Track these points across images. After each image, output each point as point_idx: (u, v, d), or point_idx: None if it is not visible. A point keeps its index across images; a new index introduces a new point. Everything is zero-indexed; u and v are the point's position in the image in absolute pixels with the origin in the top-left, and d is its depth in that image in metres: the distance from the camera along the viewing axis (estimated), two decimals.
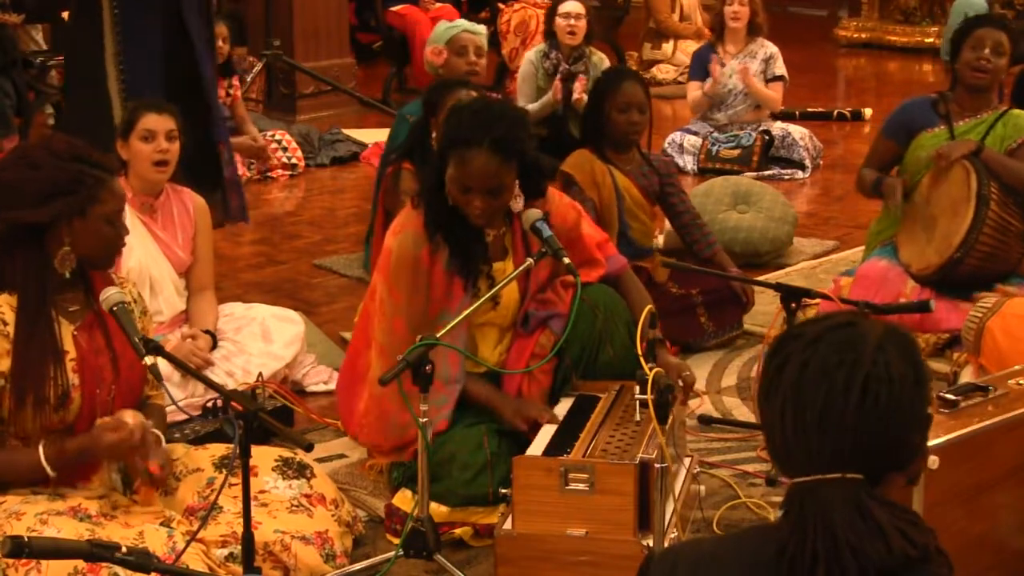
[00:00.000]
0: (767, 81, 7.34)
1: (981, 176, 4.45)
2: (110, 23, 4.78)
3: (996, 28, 4.68)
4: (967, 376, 3.95)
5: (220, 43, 7.10)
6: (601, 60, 6.82)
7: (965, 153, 4.50)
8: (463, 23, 5.57)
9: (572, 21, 6.62)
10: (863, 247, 5.15)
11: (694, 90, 7.48)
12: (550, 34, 6.76)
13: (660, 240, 5.45)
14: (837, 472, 1.70)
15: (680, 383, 3.43)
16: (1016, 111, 4.72)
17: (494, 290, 3.34)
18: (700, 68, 7.46)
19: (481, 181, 3.35)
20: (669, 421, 2.89)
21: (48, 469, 2.98)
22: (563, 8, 6.70)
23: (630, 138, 4.79)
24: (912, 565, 1.67)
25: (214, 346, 4.23)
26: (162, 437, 3.16)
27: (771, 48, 7.35)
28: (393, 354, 3.27)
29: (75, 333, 3.05)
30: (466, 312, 3.30)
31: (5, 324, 2.97)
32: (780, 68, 7.33)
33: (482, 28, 5.63)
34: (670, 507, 3.00)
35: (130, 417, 3.04)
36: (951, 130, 4.68)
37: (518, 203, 3.45)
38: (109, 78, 4.78)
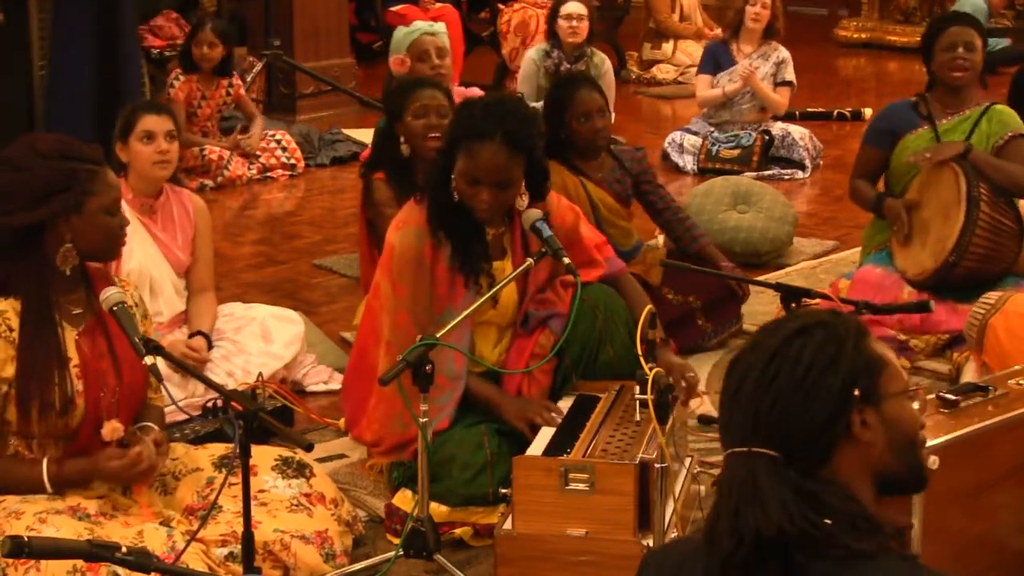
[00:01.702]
0: (776, 85, 7.32)
1: (970, 178, 4.44)
2: (36, 24, 4.80)
3: (964, 25, 4.68)
4: (969, 372, 3.96)
5: (205, 49, 7.06)
6: (603, 60, 6.81)
7: (953, 155, 4.49)
8: (420, 25, 5.36)
9: (575, 23, 6.61)
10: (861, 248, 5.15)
11: (704, 84, 7.43)
12: (552, 34, 6.74)
13: (660, 240, 5.44)
14: (745, 446, 1.77)
15: (683, 383, 3.43)
16: (999, 106, 4.71)
17: (495, 289, 3.34)
18: (711, 63, 7.41)
19: (491, 174, 3.35)
20: (670, 421, 2.89)
21: (49, 488, 2.99)
22: (565, 9, 6.69)
23: (597, 144, 4.67)
24: (798, 541, 1.70)
25: (209, 348, 4.22)
26: (167, 445, 3.18)
27: (784, 53, 7.33)
28: (398, 349, 3.27)
29: (78, 339, 3.05)
30: (467, 312, 3.30)
31: (11, 330, 2.97)
32: (790, 74, 7.31)
33: (441, 27, 5.41)
34: (670, 507, 3.00)
35: (142, 450, 3.04)
36: (935, 129, 4.67)
37: (522, 201, 3.45)
38: (33, 77, 4.82)
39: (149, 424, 3.16)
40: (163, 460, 3.16)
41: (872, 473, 1.81)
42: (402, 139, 4.38)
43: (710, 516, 1.79)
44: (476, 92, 5.28)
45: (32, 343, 2.97)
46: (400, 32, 5.35)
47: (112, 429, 3.04)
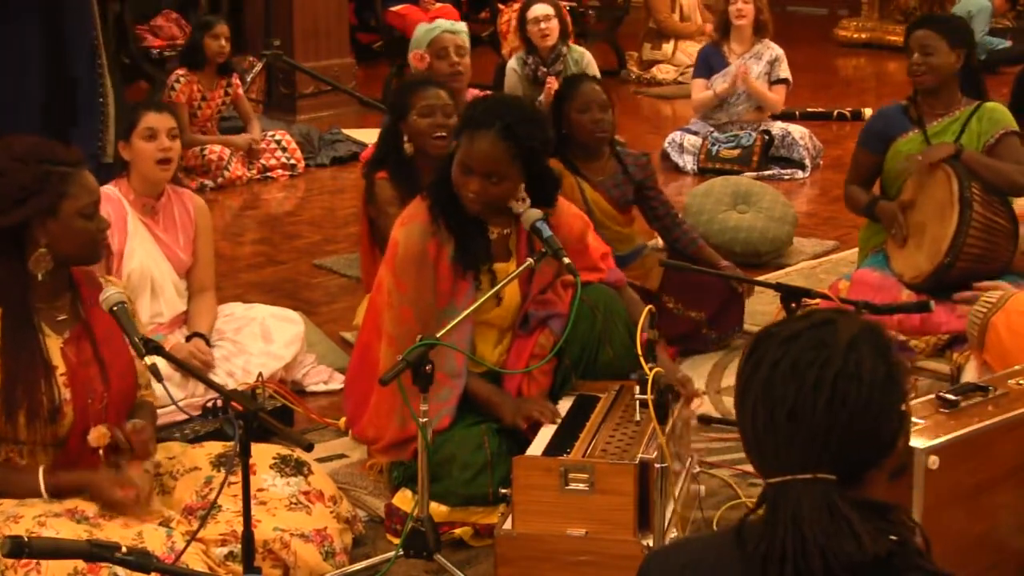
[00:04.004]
0: (771, 83, 7.32)
1: (962, 178, 4.43)
2: None
3: (927, 28, 4.65)
4: (970, 371, 3.96)
5: (223, 42, 7.10)
6: (582, 55, 6.79)
7: (944, 157, 4.49)
8: (442, 23, 5.39)
9: (543, 24, 6.61)
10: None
11: (699, 88, 7.44)
12: (526, 41, 6.74)
13: (660, 241, 5.43)
14: (809, 472, 1.70)
15: (680, 386, 3.43)
16: (990, 104, 4.70)
17: (496, 288, 3.34)
18: (705, 66, 7.42)
19: (482, 164, 3.36)
20: (670, 422, 2.89)
21: (45, 496, 2.98)
22: (531, 13, 6.68)
23: (596, 137, 4.62)
24: (883, 564, 1.67)
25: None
26: (153, 437, 3.16)
27: (777, 50, 7.33)
28: (402, 344, 3.28)
29: (63, 346, 3.02)
30: (468, 311, 3.30)
31: None
32: (785, 71, 7.31)
33: (462, 26, 5.46)
34: (670, 507, 3.00)
35: (138, 477, 3.02)
36: (925, 132, 4.67)
37: (519, 206, 3.44)
38: None
39: (138, 421, 3.14)
40: (151, 455, 3.14)
41: (890, 474, 1.78)
42: (406, 138, 4.38)
43: (769, 550, 1.69)
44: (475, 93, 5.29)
45: (15, 351, 2.94)
46: (421, 28, 5.38)
47: (99, 435, 3.02)
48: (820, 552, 1.65)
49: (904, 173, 4.65)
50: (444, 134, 4.28)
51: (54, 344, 3.02)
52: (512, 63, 6.83)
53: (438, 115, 4.33)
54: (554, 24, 6.62)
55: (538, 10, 6.64)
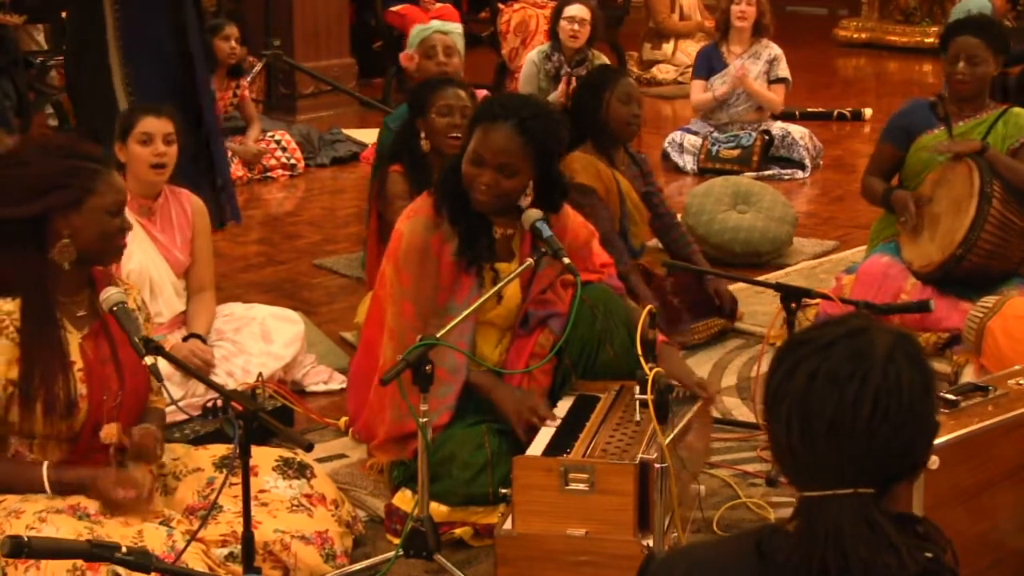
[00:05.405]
0: (770, 83, 7.32)
1: (984, 173, 4.45)
2: (112, 24, 4.79)
3: (970, 35, 4.64)
4: (968, 376, 3.95)
5: (233, 43, 7.10)
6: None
7: (970, 151, 4.50)
8: (435, 24, 5.48)
9: (576, 26, 6.60)
10: (863, 247, 5.15)
11: (698, 89, 7.45)
12: (553, 35, 6.73)
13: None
14: (848, 486, 1.68)
15: (700, 391, 3.44)
16: (1017, 110, 4.71)
17: (497, 287, 3.34)
18: (704, 66, 7.42)
19: (496, 155, 3.36)
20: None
21: (48, 491, 2.98)
22: (568, 11, 6.68)
23: (630, 130, 4.72)
24: None
25: None
26: (162, 441, 3.16)
27: (775, 50, 7.33)
28: (402, 337, 3.27)
29: (82, 342, 3.04)
30: (469, 310, 3.29)
31: (18, 331, 2.95)
32: (784, 71, 7.32)
33: (456, 27, 5.49)
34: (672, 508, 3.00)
35: (140, 477, 3.02)
36: (950, 131, 4.68)
37: (525, 201, 3.44)
38: (114, 76, 4.79)
39: (147, 426, 3.15)
40: (157, 460, 3.15)
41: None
42: (422, 134, 4.42)
43: (804, 563, 1.67)
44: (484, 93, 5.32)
45: (35, 342, 2.95)
46: (416, 28, 5.48)
47: (111, 431, 3.03)
48: (863, 567, 1.64)
49: (926, 168, 4.65)
50: (459, 135, 4.31)
51: (73, 339, 3.03)
52: (533, 55, 6.82)
53: (456, 115, 4.39)
54: (586, 29, 6.63)
55: (574, 10, 6.64)
